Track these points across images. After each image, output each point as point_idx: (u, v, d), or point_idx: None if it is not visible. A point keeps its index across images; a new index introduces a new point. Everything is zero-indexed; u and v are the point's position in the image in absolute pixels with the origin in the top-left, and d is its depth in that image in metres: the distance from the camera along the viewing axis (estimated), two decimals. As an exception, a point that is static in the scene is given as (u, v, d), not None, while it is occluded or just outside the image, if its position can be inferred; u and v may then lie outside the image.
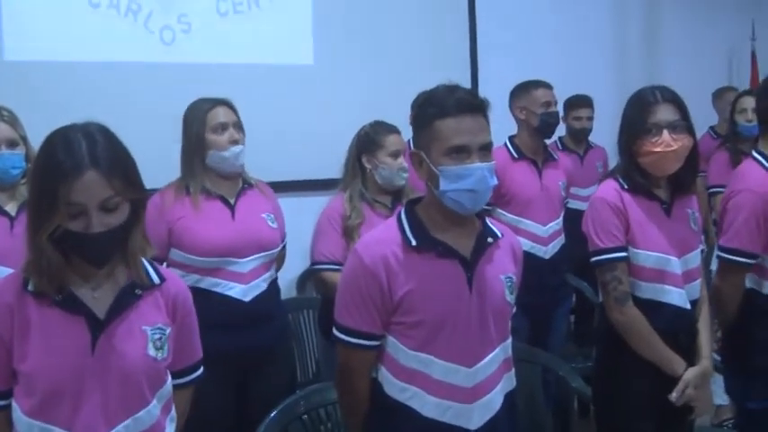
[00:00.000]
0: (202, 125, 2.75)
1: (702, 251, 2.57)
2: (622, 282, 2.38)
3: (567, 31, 5.33)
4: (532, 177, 3.62)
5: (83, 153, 1.60)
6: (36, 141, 1.86)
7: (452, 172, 1.84)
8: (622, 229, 2.39)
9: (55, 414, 1.65)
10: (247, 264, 2.74)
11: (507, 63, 4.85)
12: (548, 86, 3.68)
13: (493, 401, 1.94)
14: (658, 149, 2.33)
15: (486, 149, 1.87)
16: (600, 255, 2.40)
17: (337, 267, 2.88)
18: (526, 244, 3.25)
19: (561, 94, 4.08)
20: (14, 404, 1.68)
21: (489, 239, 1.97)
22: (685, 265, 2.42)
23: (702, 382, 2.41)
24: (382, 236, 1.94)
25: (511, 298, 1.99)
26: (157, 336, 1.74)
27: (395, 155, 3.04)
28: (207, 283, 2.70)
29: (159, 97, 3.92)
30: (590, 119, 4.86)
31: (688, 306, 2.42)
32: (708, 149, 4.44)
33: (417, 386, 1.89)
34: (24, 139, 2.59)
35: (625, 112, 2.46)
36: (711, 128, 5.19)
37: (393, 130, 3.09)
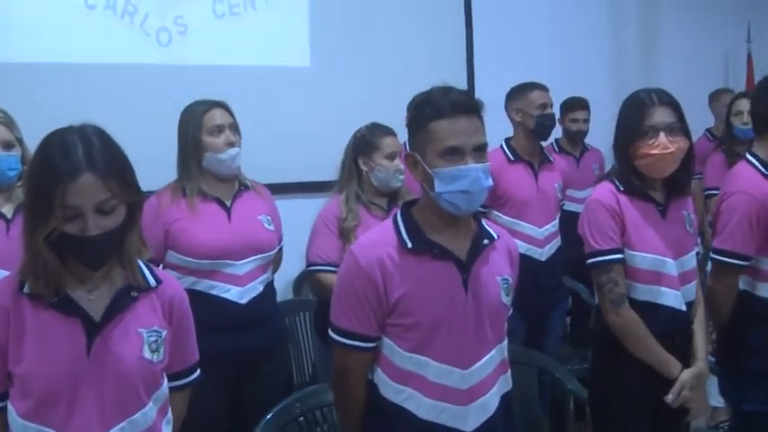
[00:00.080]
0: (198, 127, 2.75)
1: (698, 253, 2.58)
2: (618, 284, 2.38)
3: (563, 33, 5.34)
4: (528, 179, 3.62)
5: (79, 156, 1.60)
6: (32, 143, 1.86)
7: (447, 173, 1.84)
8: (618, 231, 2.39)
9: (50, 416, 1.65)
10: (243, 266, 2.74)
11: (504, 65, 4.86)
12: (544, 88, 3.68)
13: (488, 403, 1.94)
14: (655, 152, 2.34)
15: (480, 150, 1.87)
16: (596, 257, 2.40)
17: (333, 269, 2.88)
18: (522, 246, 3.25)
19: (557, 97, 4.08)
20: (10, 406, 1.68)
21: (485, 241, 1.97)
22: (681, 267, 2.42)
23: (698, 384, 2.42)
24: (378, 238, 1.94)
25: (507, 300, 1.99)
26: (153, 338, 1.74)
27: (391, 157, 3.04)
28: (203, 285, 2.70)
29: (155, 99, 3.92)
30: (586, 121, 4.88)
31: (684, 308, 2.42)
32: (704, 151, 4.45)
33: (413, 388, 1.89)
34: (20, 141, 2.59)
35: (621, 115, 2.46)
36: (708, 130, 5.20)
37: (389, 132, 3.09)
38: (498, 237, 2.02)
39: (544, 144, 3.84)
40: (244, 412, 2.73)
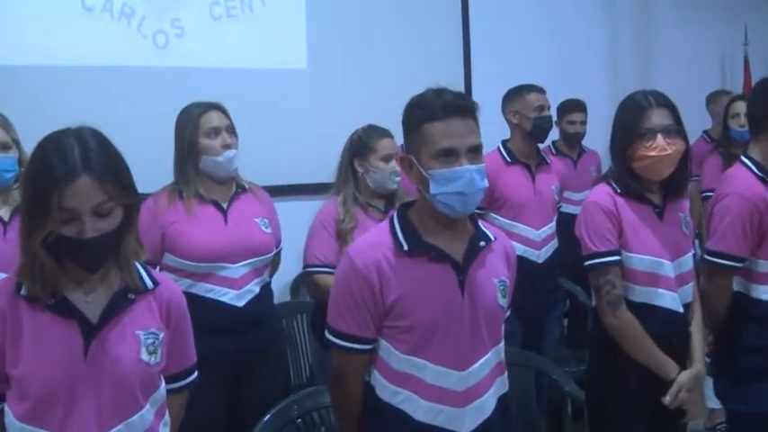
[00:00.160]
0: (195, 129, 2.75)
1: (695, 255, 2.58)
2: (615, 285, 2.38)
3: (561, 35, 5.34)
4: (525, 182, 3.62)
5: (75, 158, 1.60)
6: (29, 146, 1.86)
7: (441, 175, 1.84)
8: (615, 232, 2.39)
9: (47, 419, 1.65)
10: (239, 269, 2.74)
11: (501, 66, 4.86)
12: (541, 91, 3.68)
13: (485, 405, 1.94)
14: (653, 154, 2.34)
15: (475, 151, 1.86)
16: (593, 259, 2.40)
17: (330, 270, 2.88)
18: (519, 248, 3.25)
19: (555, 98, 4.09)
20: (7, 409, 1.68)
21: (482, 243, 1.97)
22: (678, 269, 2.42)
23: (695, 386, 2.42)
24: (375, 240, 1.94)
25: (504, 301, 1.99)
26: (150, 340, 1.74)
27: (387, 159, 3.04)
28: (200, 288, 2.70)
29: (152, 101, 3.91)
30: (583, 123, 4.88)
31: (681, 309, 2.42)
32: (701, 154, 4.45)
33: (410, 390, 1.89)
34: (17, 143, 2.59)
35: (618, 117, 2.46)
36: (705, 132, 5.21)
37: (385, 134, 3.10)
38: (495, 238, 2.02)
39: (541, 146, 3.85)
40: (241, 414, 2.73)
